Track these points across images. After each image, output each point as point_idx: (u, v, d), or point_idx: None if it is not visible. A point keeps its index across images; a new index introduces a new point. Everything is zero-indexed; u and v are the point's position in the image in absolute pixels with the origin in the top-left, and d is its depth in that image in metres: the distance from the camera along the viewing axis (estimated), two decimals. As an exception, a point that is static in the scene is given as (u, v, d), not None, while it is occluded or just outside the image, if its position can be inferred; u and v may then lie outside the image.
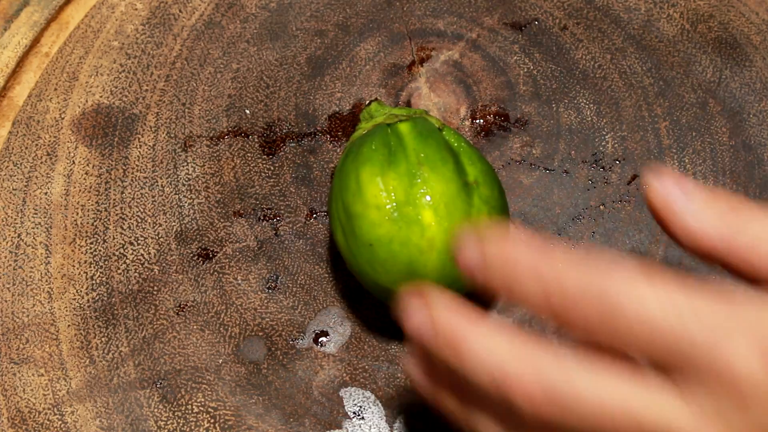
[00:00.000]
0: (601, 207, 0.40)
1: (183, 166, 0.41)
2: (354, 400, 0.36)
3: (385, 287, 0.33)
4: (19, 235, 0.40)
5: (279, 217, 0.40)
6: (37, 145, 0.42)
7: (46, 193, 0.41)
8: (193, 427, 0.36)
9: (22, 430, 0.36)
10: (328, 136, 0.42)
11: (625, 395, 0.25)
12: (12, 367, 0.37)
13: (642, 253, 0.39)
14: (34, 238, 0.40)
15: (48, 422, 0.36)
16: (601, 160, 0.41)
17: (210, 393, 0.37)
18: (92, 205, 0.41)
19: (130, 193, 0.41)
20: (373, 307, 0.38)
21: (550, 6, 0.45)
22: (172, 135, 0.42)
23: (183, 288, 0.39)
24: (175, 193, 0.41)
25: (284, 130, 0.42)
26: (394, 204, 0.32)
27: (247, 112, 0.43)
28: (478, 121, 0.42)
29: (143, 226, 0.40)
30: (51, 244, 0.40)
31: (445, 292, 0.28)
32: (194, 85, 0.43)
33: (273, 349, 0.37)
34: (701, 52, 0.44)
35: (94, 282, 0.39)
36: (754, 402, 0.24)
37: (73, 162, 0.41)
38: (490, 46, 0.44)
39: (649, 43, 0.44)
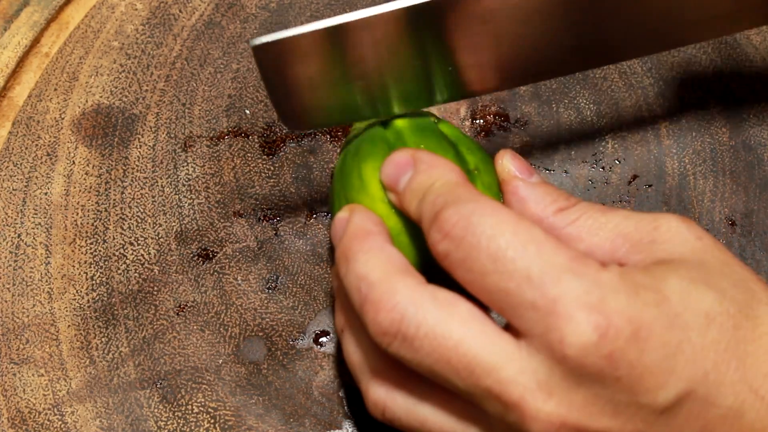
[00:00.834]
0: (601, 207, 0.40)
1: (183, 167, 0.41)
2: (354, 401, 0.36)
3: None
4: (19, 236, 0.40)
5: (279, 217, 0.40)
6: (37, 145, 0.42)
7: (46, 194, 0.41)
8: (193, 428, 0.36)
9: (22, 430, 0.36)
10: (328, 136, 0.42)
11: (466, 338, 0.26)
12: (12, 368, 0.37)
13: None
14: (34, 239, 0.40)
15: (48, 422, 0.36)
16: (601, 160, 0.41)
17: (210, 393, 0.37)
18: (92, 205, 0.41)
19: (130, 193, 0.41)
20: (373, 308, 0.38)
21: None
22: (172, 135, 0.42)
23: (183, 288, 0.39)
24: (175, 194, 0.41)
25: (284, 131, 0.42)
26: None
27: (247, 112, 0.43)
28: (478, 121, 0.42)
29: (143, 227, 0.40)
30: (51, 245, 0.40)
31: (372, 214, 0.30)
32: (194, 85, 0.43)
33: (273, 349, 0.38)
34: (701, 53, 0.44)
35: (94, 282, 0.39)
36: (585, 379, 0.25)
37: (73, 162, 0.41)
38: (490, 46, 0.44)
39: (649, 43, 0.44)
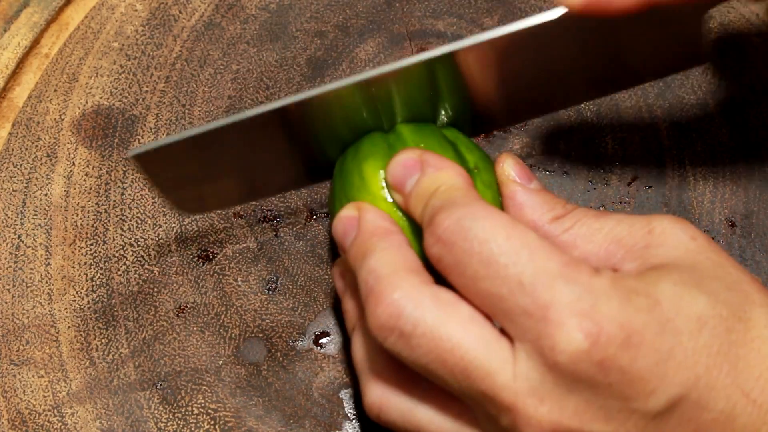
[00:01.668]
0: (601, 208, 0.40)
1: (183, 168, 0.41)
2: (354, 402, 0.36)
3: None
4: (19, 237, 0.40)
5: (279, 218, 0.40)
6: (37, 146, 0.42)
7: (46, 195, 0.41)
8: (193, 429, 0.36)
9: (22, 431, 0.36)
10: (328, 137, 0.42)
11: (463, 341, 0.26)
12: (12, 369, 0.37)
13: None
14: (34, 240, 0.40)
15: (48, 424, 0.36)
16: (600, 161, 0.41)
17: (210, 394, 0.37)
18: (92, 206, 0.41)
19: (130, 194, 0.41)
20: (373, 309, 0.38)
21: (550, 7, 0.45)
22: (172, 136, 0.42)
23: (183, 289, 0.39)
24: (175, 195, 0.41)
25: (284, 131, 0.42)
26: None
27: (247, 113, 0.43)
28: (478, 121, 0.42)
29: (143, 228, 0.40)
30: (51, 246, 0.40)
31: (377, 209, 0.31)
32: (194, 86, 0.43)
33: (273, 350, 0.38)
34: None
35: (94, 283, 0.39)
36: (576, 385, 0.25)
37: (73, 163, 0.41)
38: (490, 47, 0.44)
39: (649, 43, 0.44)
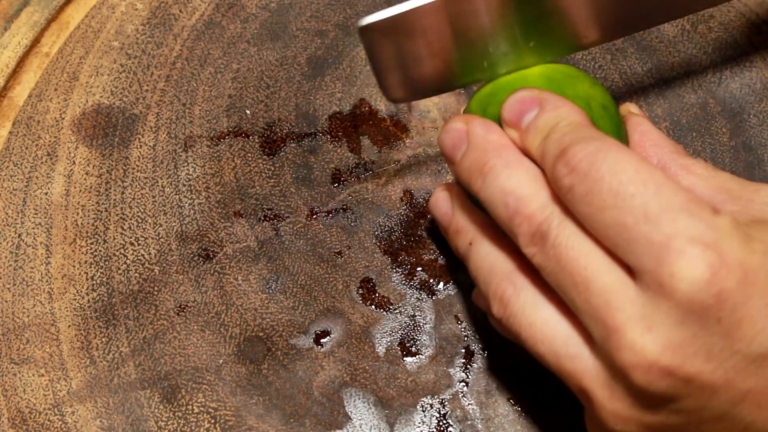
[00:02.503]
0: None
1: (183, 167, 0.41)
2: (354, 401, 0.36)
3: None
4: (19, 236, 0.40)
5: (279, 217, 0.40)
6: (37, 145, 0.42)
7: (46, 194, 0.41)
8: (193, 428, 0.36)
9: (23, 430, 0.36)
10: (329, 137, 0.42)
11: (591, 262, 0.27)
12: (12, 368, 0.37)
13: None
14: (34, 239, 0.40)
15: (48, 422, 0.36)
16: (601, 160, 0.41)
17: (210, 393, 0.37)
18: (92, 205, 0.41)
19: (130, 193, 0.41)
20: (375, 307, 0.38)
21: (551, 6, 0.45)
22: (173, 135, 0.42)
23: (183, 288, 0.39)
24: (176, 194, 0.41)
25: (284, 131, 0.42)
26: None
27: (248, 112, 0.43)
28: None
29: (144, 227, 0.40)
30: (51, 245, 0.40)
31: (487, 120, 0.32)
32: (194, 85, 0.43)
33: (273, 349, 0.38)
34: (701, 52, 0.44)
35: (94, 282, 0.39)
36: (688, 317, 0.26)
37: (74, 162, 0.41)
38: (491, 47, 0.44)
39: (649, 43, 0.44)
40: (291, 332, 0.38)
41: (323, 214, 0.40)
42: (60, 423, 0.36)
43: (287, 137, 0.42)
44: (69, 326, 0.38)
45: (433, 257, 0.39)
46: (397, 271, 0.39)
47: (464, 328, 0.38)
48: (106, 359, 0.37)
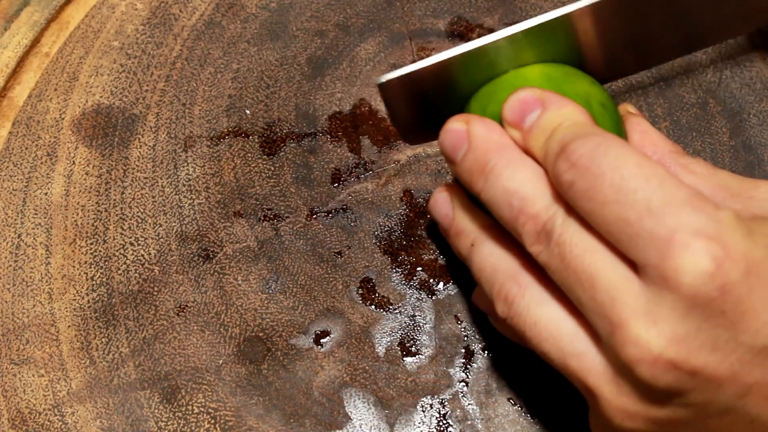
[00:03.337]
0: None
1: (183, 167, 0.41)
2: (354, 401, 0.36)
3: None
4: (19, 236, 0.40)
5: (279, 217, 0.40)
6: (37, 145, 0.42)
7: (46, 194, 0.41)
8: (193, 428, 0.36)
9: (23, 430, 0.36)
10: (329, 137, 0.42)
11: (595, 259, 0.27)
12: (12, 368, 0.37)
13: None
14: (34, 239, 0.40)
15: (48, 423, 0.36)
16: (601, 160, 0.41)
17: (210, 393, 0.37)
18: (92, 205, 0.41)
19: (130, 193, 0.41)
20: (375, 307, 0.38)
21: (551, 6, 0.45)
22: (173, 135, 0.42)
23: (183, 288, 0.39)
24: (176, 194, 0.41)
25: (284, 131, 0.42)
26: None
27: (248, 112, 0.43)
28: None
29: (143, 227, 0.40)
30: (51, 245, 0.40)
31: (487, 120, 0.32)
32: (194, 85, 0.43)
33: (273, 349, 0.38)
34: (701, 53, 0.44)
35: (94, 282, 0.39)
36: (692, 310, 0.26)
37: (74, 162, 0.41)
38: (491, 47, 0.44)
39: (649, 43, 0.44)
40: (291, 332, 0.38)
41: (323, 214, 0.40)
42: (60, 423, 0.36)
43: (287, 137, 0.42)
44: (69, 326, 0.38)
45: (433, 257, 0.39)
46: (396, 271, 0.39)
47: (464, 328, 0.38)
48: (106, 359, 0.37)
